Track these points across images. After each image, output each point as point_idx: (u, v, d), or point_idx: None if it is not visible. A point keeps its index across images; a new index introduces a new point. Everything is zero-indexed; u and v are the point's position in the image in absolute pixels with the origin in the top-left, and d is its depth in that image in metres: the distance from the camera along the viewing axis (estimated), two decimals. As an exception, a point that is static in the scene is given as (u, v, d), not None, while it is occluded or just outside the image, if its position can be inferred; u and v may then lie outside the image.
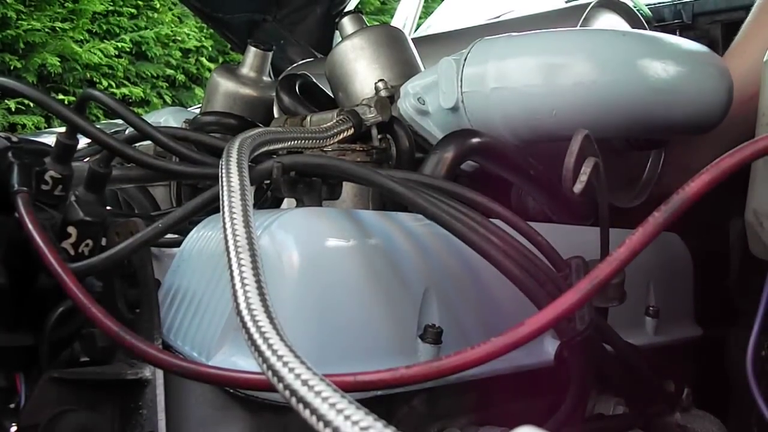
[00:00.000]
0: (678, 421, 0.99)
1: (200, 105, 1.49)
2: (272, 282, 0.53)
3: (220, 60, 6.37)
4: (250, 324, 0.48)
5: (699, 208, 0.57)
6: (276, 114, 1.21)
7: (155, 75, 6.09)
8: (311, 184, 0.81)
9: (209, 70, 6.18)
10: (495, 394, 0.83)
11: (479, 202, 0.83)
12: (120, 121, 1.38)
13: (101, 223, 0.75)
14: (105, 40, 5.87)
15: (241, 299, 0.50)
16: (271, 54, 1.40)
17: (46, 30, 5.45)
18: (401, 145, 1.01)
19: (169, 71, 6.17)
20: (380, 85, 1.06)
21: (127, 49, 5.95)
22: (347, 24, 1.18)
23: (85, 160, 0.93)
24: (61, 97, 5.37)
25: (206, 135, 1.00)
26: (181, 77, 6.26)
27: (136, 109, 3.27)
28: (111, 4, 5.96)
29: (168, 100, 6.10)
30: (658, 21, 1.48)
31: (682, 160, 1.18)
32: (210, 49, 6.39)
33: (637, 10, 1.28)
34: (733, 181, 0.59)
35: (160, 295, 0.78)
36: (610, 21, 1.22)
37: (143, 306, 0.76)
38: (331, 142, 0.95)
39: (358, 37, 1.14)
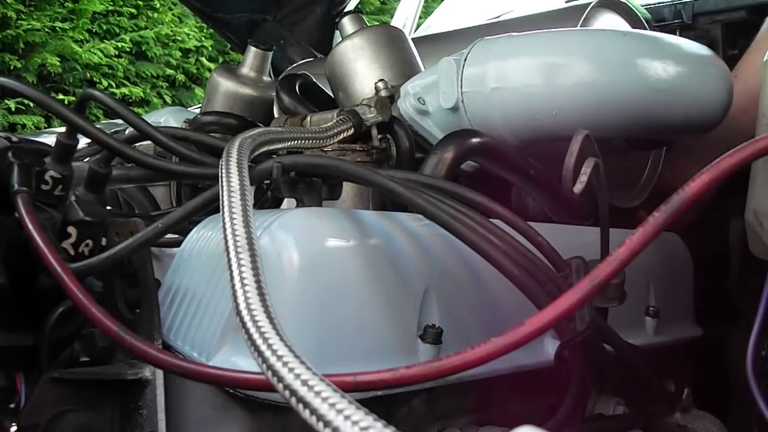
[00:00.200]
0: (678, 421, 0.99)
1: (200, 105, 1.49)
2: (272, 282, 0.53)
3: (220, 60, 6.36)
4: (249, 324, 0.48)
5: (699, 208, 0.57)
6: (276, 114, 1.21)
7: (155, 75, 6.09)
8: (311, 184, 0.81)
9: (209, 70, 6.18)
10: (495, 394, 0.83)
11: (479, 202, 0.83)
12: (120, 121, 1.38)
13: (101, 223, 0.75)
14: (105, 40, 5.86)
15: (240, 299, 0.50)
16: (271, 54, 1.40)
17: (46, 30, 5.45)
18: (401, 145, 1.01)
19: (169, 71, 6.17)
20: (380, 85, 1.06)
21: (127, 49, 5.95)
22: (347, 24, 1.18)
23: (85, 160, 0.93)
24: (61, 97, 5.37)
25: (206, 135, 1.00)
26: (181, 77, 6.26)
27: (136, 109, 3.27)
28: (111, 4, 5.96)
29: (168, 100, 6.10)
30: (658, 21, 1.47)
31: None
32: (210, 49, 6.39)
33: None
34: (733, 181, 0.59)
35: (160, 295, 0.78)
36: (610, 21, 1.22)
37: (143, 306, 0.76)
38: (331, 142, 0.95)
39: (358, 37, 1.14)
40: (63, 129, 0.78)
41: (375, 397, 0.66)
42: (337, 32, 1.81)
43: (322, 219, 0.74)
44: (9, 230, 0.70)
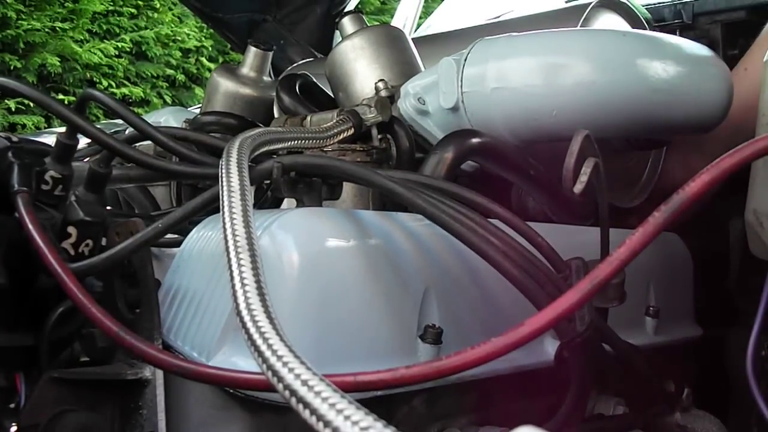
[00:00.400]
0: (678, 421, 0.99)
1: (200, 105, 1.49)
2: (272, 282, 0.53)
3: (220, 60, 6.36)
4: (249, 324, 0.48)
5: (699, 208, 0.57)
6: (276, 114, 1.21)
7: (155, 75, 6.09)
8: (311, 184, 0.81)
9: (209, 70, 6.17)
10: (495, 394, 0.83)
11: (479, 202, 0.82)
12: (120, 121, 1.38)
13: (101, 223, 0.75)
14: (105, 40, 5.86)
15: (240, 299, 0.50)
16: (271, 54, 1.40)
17: (46, 30, 5.45)
18: (401, 145, 1.01)
19: (169, 71, 6.17)
20: (380, 85, 1.06)
21: (127, 49, 5.95)
22: (347, 24, 1.18)
23: (85, 160, 0.93)
24: (61, 97, 5.37)
25: (206, 135, 1.00)
26: (181, 77, 6.26)
27: (136, 109, 3.27)
28: (111, 4, 5.96)
29: (168, 100, 6.10)
30: (658, 21, 1.47)
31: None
32: (210, 49, 6.39)
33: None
34: (733, 181, 0.59)
35: (160, 295, 0.78)
36: (610, 21, 1.22)
37: (143, 306, 0.76)
38: (332, 142, 0.95)
39: (359, 37, 1.14)
40: (63, 129, 0.78)
41: (375, 397, 0.66)
42: (337, 32, 1.81)
43: (322, 219, 0.74)
44: (9, 230, 0.70)
